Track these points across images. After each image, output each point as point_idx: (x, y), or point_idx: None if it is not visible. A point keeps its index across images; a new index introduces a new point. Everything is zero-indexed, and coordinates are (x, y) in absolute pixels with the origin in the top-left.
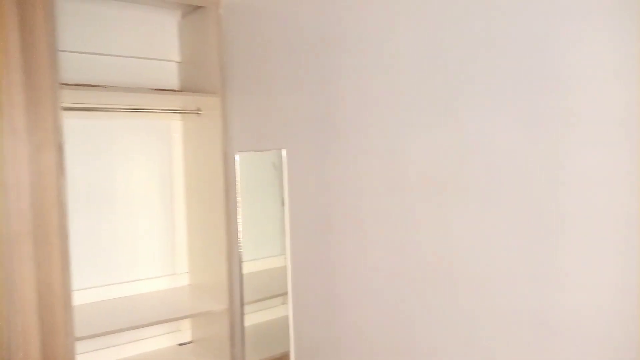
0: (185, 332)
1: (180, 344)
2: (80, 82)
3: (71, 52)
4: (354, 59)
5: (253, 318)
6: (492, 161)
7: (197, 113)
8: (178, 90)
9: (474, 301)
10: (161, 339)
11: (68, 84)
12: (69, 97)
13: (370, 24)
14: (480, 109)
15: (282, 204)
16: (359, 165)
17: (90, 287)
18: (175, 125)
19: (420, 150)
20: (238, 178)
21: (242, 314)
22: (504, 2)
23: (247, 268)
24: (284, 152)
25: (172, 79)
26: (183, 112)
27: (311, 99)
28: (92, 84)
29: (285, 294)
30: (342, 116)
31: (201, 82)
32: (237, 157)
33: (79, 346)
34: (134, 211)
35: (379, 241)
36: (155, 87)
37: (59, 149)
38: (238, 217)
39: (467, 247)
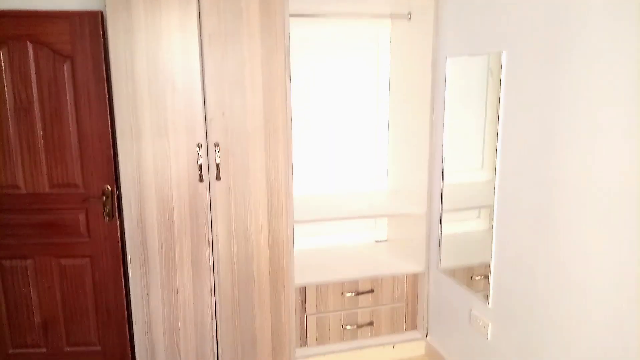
0: (382, 231)
1: (377, 241)
2: None
3: None
4: None
5: (447, 227)
6: None
7: (408, 17)
8: None
9: None
10: (360, 235)
11: None
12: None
13: None
14: None
15: (497, 112)
16: (593, 75)
17: (303, 181)
18: (384, 32)
19: None
20: (447, 84)
21: (440, 220)
22: None
23: (447, 178)
24: (504, 55)
25: None
26: (394, 16)
27: None
28: None
29: (483, 207)
30: (580, 13)
31: None
32: (448, 61)
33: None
34: (341, 113)
35: (609, 158)
36: None
37: (286, 52)
38: (444, 125)
39: None
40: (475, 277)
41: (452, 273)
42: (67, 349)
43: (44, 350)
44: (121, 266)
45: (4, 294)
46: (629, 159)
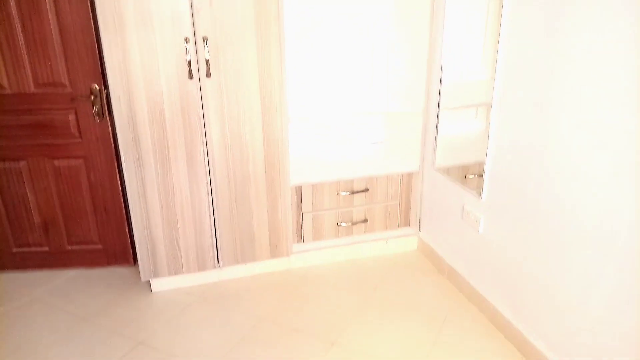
0: (378, 132)
1: (373, 143)
2: None
3: None
4: None
5: (444, 129)
6: None
7: None
8: None
9: None
10: (356, 137)
11: None
12: None
13: None
14: None
15: (500, 6)
16: None
17: (298, 81)
18: None
19: None
20: None
21: (437, 119)
22: None
23: (445, 76)
24: None
25: None
26: None
27: None
28: None
29: (481, 105)
30: None
31: None
32: None
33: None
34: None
35: (611, 52)
36: None
37: None
38: (444, 22)
39: None
40: (469, 176)
41: (447, 172)
42: (69, 247)
43: (46, 248)
44: (116, 166)
45: (1, 195)
46: (633, 51)
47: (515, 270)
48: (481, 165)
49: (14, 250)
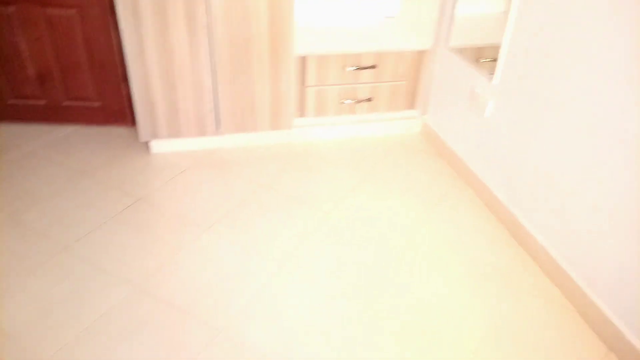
0: (393, 5)
1: (387, 17)
2: None
3: None
4: None
5: (461, 8)
6: None
7: None
8: None
9: None
10: (370, 10)
11: None
12: None
13: None
14: None
15: None
16: None
17: None
18: None
19: None
20: None
21: None
22: None
23: None
24: None
25: None
26: None
27: None
28: None
29: None
30: None
31: None
32: None
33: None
34: None
35: None
36: None
37: None
38: None
39: None
40: (481, 60)
41: (459, 52)
42: (66, 102)
43: (43, 102)
44: (112, 20)
45: None
46: None
47: (518, 155)
48: (495, 48)
49: (10, 102)
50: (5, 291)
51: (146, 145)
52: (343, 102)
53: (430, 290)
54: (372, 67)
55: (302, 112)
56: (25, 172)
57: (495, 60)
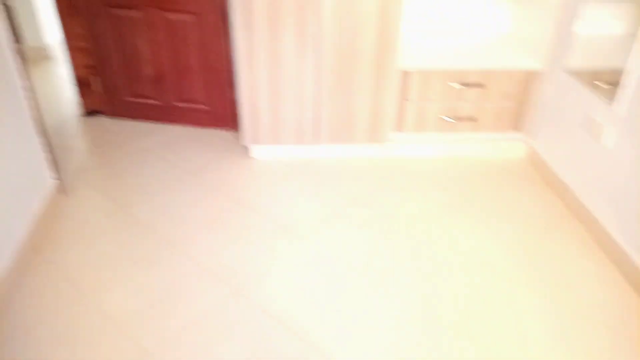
0: (504, 21)
1: (497, 32)
2: None
3: None
4: None
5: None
6: None
7: None
8: None
9: None
10: (479, 24)
11: None
12: None
13: None
14: None
15: None
16: None
17: None
18: None
19: None
20: None
21: (576, 10)
22: None
23: None
24: None
25: None
26: None
27: None
28: None
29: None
30: None
31: None
32: None
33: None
34: None
35: None
36: None
37: None
38: None
39: None
40: (596, 82)
41: (575, 74)
42: (178, 104)
43: (156, 102)
44: (223, 27)
45: (119, 43)
46: None
47: None
48: (614, 73)
49: (127, 98)
50: (115, 279)
51: (246, 149)
52: (444, 119)
53: (529, 330)
54: (478, 85)
55: (400, 126)
56: (140, 167)
57: (613, 85)
